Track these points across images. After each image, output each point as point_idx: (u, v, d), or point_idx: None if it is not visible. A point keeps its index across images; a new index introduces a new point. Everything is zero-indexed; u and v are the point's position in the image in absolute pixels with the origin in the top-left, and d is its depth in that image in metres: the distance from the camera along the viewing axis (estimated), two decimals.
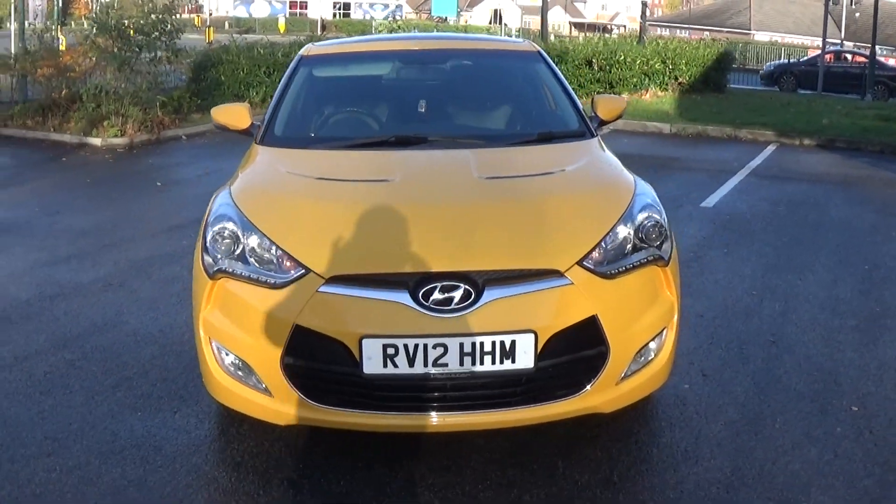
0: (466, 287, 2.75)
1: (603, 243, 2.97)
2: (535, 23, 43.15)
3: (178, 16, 11.85)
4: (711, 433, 3.34)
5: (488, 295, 2.76)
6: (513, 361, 2.75)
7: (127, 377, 3.79)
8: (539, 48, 4.58)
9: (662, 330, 3.10)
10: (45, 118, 11.20)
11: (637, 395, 3.12)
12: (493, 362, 2.74)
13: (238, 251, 2.97)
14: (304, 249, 2.89)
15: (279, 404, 2.88)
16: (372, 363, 2.72)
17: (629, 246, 3.03)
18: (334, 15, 60.67)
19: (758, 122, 13.58)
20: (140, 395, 3.63)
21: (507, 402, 2.85)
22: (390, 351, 2.71)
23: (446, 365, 2.73)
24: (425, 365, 2.72)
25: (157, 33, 11.44)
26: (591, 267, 2.90)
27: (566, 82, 4.30)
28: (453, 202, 3.18)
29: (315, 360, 2.81)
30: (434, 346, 2.71)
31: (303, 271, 2.83)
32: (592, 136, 3.95)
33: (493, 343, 2.73)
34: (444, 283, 2.75)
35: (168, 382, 3.74)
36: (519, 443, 3.19)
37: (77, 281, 5.16)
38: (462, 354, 2.72)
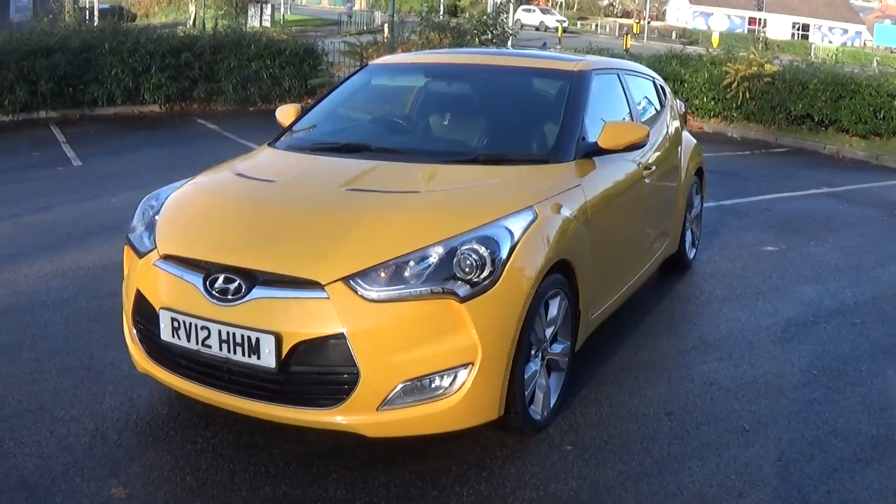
0: (241, 282, 2.97)
1: (392, 265, 2.91)
2: None
3: (504, 17, 12.72)
4: None
5: (255, 293, 2.94)
6: (258, 358, 2.90)
7: None
8: (588, 69, 4.30)
9: (456, 368, 2.91)
10: None
11: (413, 429, 2.99)
12: (243, 354, 2.92)
13: (147, 223, 3.55)
14: (164, 228, 3.35)
15: (135, 353, 3.40)
16: (165, 332, 3.11)
17: (427, 273, 2.91)
18: (792, 35, 57.13)
19: None
20: None
21: (255, 395, 2.98)
22: (175, 324, 3.07)
23: (210, 347, 2.99)
24: (196, 343, 3.02)
25: (489, 34, 12.43)
26: (356, 285, 2.87)
27: (589, 106, 4.03)
28: (291, 206, 3.35)
29: (146, 321, 3.27)
30: (201, 328, 3.00)
31: (152, 247, 3.31)
32: (563, 161, 3.71)
33: (244, 336, 2.91)
34: (226, 275, 3.00)
35: None
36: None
37: None
38: (220, 340, 2.96)
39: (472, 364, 2.93)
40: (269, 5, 43.99)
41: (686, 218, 5.53)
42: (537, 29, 46.11)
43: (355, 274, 2.90)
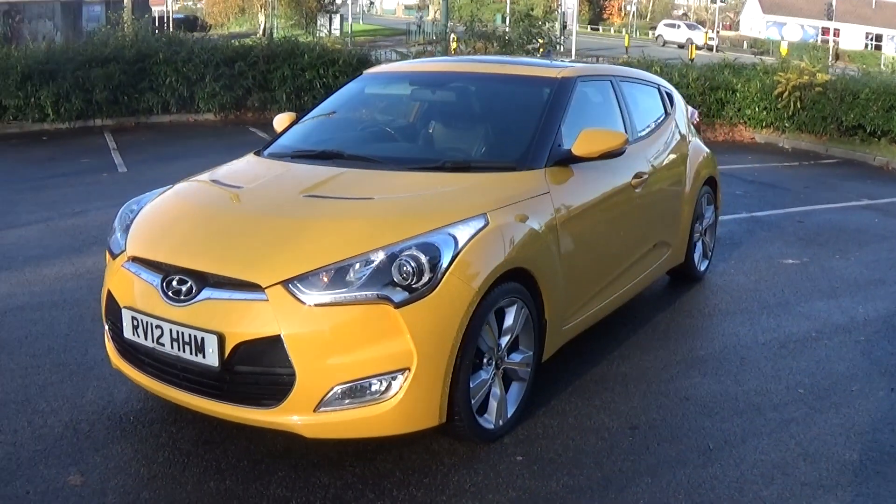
0: (192, 283, 3.06)
1: (332, 269, 2.96)
2: None
3: (550, 26, 12.79)
4: None
5: (204, 294, 3.04)
6: (204, 357, 2.99)
7: None
8: (572, 76, 4.27)
9: (392, 373, 2.94)
10: None
11: (350, 432, 3.04)
12: (191, 353, 3.02)
13: (125, 227, 3.68)
14: (135, 232, 3.48)
15: (109, 351, 3.54)
16: (128, 330, 3.24)
17: (365, 278, 2.95)
18: (865, 46, 54.96)
19: None
20: None
21: (204, 392, 3.08)
22: (135, 323, 3.19)
23: (163, 345, 3.10)
24: (152, 341, 3.14)
25: (533, 44, 12.47)
26: (295, 289, 2.93)
27: (565, 114, 4.01)
28: (249, 211, 3.45)
29: (115, 320, 3.39)
30: (156, 327, 3.11)
31: (123, 249, 3.44)
32: (531, 168, 3.70)
33: (191, 336, 3.01)
34: (180, 277, 3.10)
35: None
36: None
37: None
38: (171, 339, 3.07)
39: (408, 370, 2.95)
40: (339, 15, 44.85)
41: (694, 229, 5.41)
42: (681, 46, 41.84)
43: (294, 277, 2.96)
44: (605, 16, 63.07)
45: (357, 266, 2.99)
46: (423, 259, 2.99)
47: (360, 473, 3.14)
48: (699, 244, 5.63)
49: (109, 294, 3.40)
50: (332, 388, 2.93)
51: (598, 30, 56.23)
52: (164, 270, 3.18)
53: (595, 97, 4.57)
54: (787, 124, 13.20)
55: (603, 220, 4.16)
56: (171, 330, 3.07)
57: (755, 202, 8.45)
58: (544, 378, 3.95)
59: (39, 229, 6.65)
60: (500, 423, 3.42)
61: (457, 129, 4.26)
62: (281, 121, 4.67)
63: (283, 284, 2.95)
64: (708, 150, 5.77)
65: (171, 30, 27.59)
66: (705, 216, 5.70)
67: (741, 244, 6.72)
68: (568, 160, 3.85)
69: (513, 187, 3.61)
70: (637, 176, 4.45)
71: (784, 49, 39.19)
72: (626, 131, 4.60)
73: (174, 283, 3.11)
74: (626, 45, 36.34)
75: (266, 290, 2.95)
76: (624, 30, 52.88)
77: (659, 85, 5.43)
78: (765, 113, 13.37)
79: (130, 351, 3.33)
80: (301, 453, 3.25)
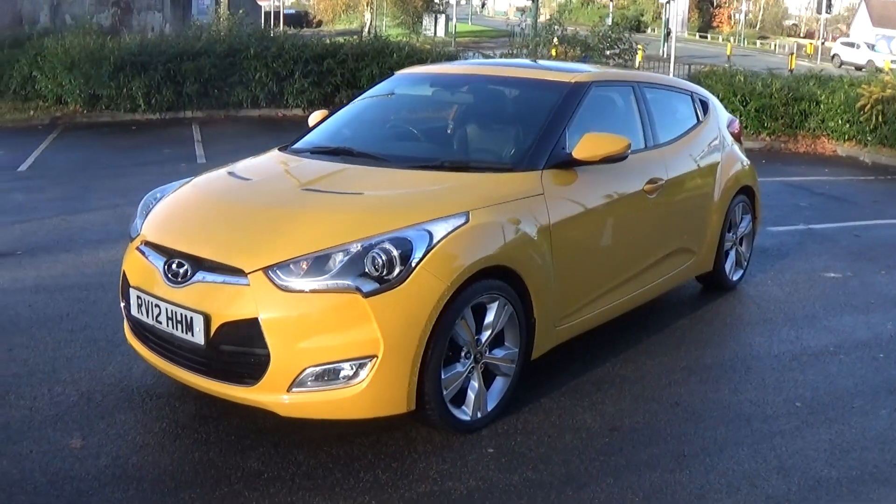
0: (188, 267, 3.31)
1: (311, 258, 3.15)
2: None
3: (630, 35, 12.76)
4: None
5: (198, 277, 3.28)
6: (192, 335, 3.23)
7: None
8: (586, 81, 4.31)
9: (360, 359, 3.10)
10: None
11: (320, 413, 3.22)
12: (182, 331, 3.27)
13: (146, 213, 3.97)
14: (151, 218, 3.76)
15: (126, 328, 3.83)
16: (134, 308, 3.53)
17: (340, 267, 3.12)
18: None
19: None
20: None
21: (194, 368, 3.32)
22: (139, 301, 3.48)
23: (161, 323, 3.36)
24: (152, 319, 3.40)
25: (614, 49, 12.42)
26: (274, 275, 3.13)
27: (572, 118, 4.07)
28: (250, 202, 3.67)
29: (127, 299, 3.68)
30: (155, 306, 3.37)
31: (139, 233, 3.72)
32: (528, 170, 3.79)
33: (183, 315, 3.25)
34: (179, 260, 3.35)
35: None
36: None
37: None
38: (167, 318, 3.33)
39: (376, 357, 3.10)
40: (444, 15, 45.25)
41: (724, 237, 5.34)
42: (860, 69, 34.66)
43: (275, 264, 3.16)
44: (715, 24, 61.70)
45: (335, 256, 3.17)
46: (395, 252, 3.14)
47: (335, 454, 3.32)
48: (731, 253, 5.55)
49: (124, 274, 3.69)
50: (304, 370, 3.11)
51: (706, 37, 54.88)
52: (168, 254, 3.44)
53: (612, 102, 4.60)
54: (868, 138, 12.68)
55: (608, 224, 4.19)
56: (167, 309, 3.32)
57: (816, 214, 8.20)
58: (539, 376, 4.04)
59: (105, 215, 7.14)
60: (479, 415, 3.52)
61: (466, 129, 4.38)
62: (314, 118, 4.90)
63: (264, 271, 3.16)
64: (745, 160, 5.67)
65: (282, 25, 28.39)
66: (739, 226, 5.61)
67: (788, 255, 6.55)
68: (569, 163, 3.91)
69: (505, 187, 3.70)
70: (651, 182, 4.45)
71: (887, 62, 36.96)
72: (644, 137, 4.62)
73: (174, 265, 3.36)
74: (728, 53, 35.13)
75: (249, 276, 3.16)
76: (732, 38, 51.41)
77: (692, 92, 5.38)
78: (848, 126, 12.88)
79: (139, 328, 3.61)
80: (286, 432, 3.45)
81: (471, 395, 3.49)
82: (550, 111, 4.11)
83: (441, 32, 43.24)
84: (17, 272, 5.48)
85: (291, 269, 3.16)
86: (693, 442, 3.53)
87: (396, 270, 3.13)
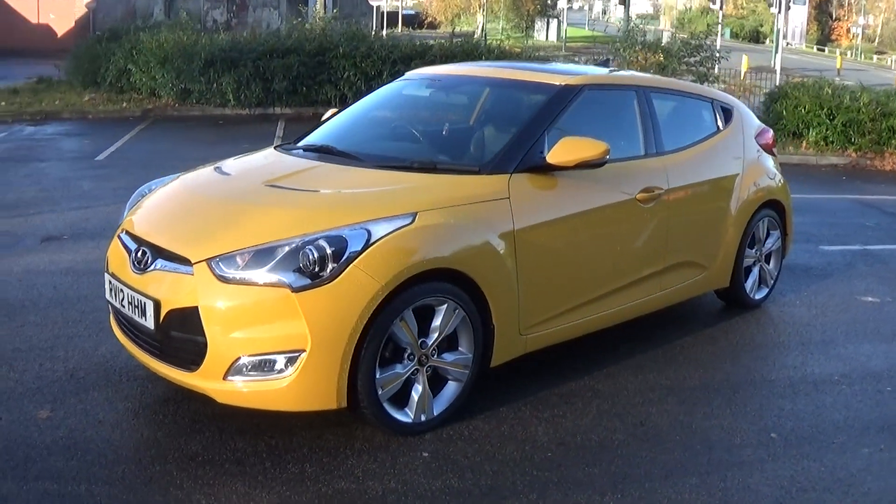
0: (150, 255, 3.48)
1: (251, 252, 3.25)
2: None
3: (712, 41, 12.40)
4: None
5: (156, 265, 3.45)
6: (145, 319, 3.39)
7: None
8: (578, 84, 4.22)
9: (289, 353, 3.18)
10: None
11: (252, 402, 3.31)
12: (137, 315, 3.44)
13: (135, 204, 4.19)
14: (135, 209, 3.96)
15: (111, 313, 4.05)
16: (107, 292, 3.74)
17: (275, 262, 3.20)
18: None
19: None
20: None
21: (150, 352, 3.49)
22: (111, 286, 3.69)
23: (125, 307, 3.54)
24: (119, 303, 3.60)
25: (697, 56, 12.08)
26: (215, 266, 3.25)
27: (553, 121, 4.01)
28: (216, 196, 3.83)
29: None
30: (119, 290, 3.57)
31: (121, 221, 3.93)
32: (495, 173, 3.75)
33: (139, 300, 3.43)
34: (143, 248, 3.52)
35: None
36: None
37: None
38: (128, 302, 3.51)
39: (304, 351, 3.17)
40: (556, 20, 44.89)
41: (742, 252, 5.08)
42: None
43: (217, 256, 3.29)
44: (834, 37, 58.99)
45: (276, 251, 3.25)
46: (329, 250, 3.20)
47: (273, 444, 3.41)
48: (754, 270, 5.28)
49: (106, 261, 3.90)
50: (238, 359, 3.22)
51: (823, 50, 52.41)
52: (138, 242, 3.62)
53: (609, 107, 4.48)
54: None
55: (589, 232, 4.09)
56: (128, 294, 3.51)
57: (879, 235, 7.69)
58: (510, 384, 3.99)
59: None
60: (422, 418, 3.52)
61: (448, 130, 4.39)
62: (327, 115, 5.02)
63: (207, 262, 3.29)
64: (775, 172, 5.38)
65: (400, 26, 28.67)
66: (765, 242, 5.32)
67: (830, 276, 6.18)
68: (542, 168, 3.84)
69: (465, 190, 3.68)
70: (647, 190, 4.31)
71: None
72: (644, 144, 4.47)
73: (139, 253, 3.54)
74: (839, 66, 33.09)
75: (194, 265, 3.30)
76: (849, 52, 49.01)
77: (713, 99, 5.15)
78: None
79: (115, 312, 3.82)
80: (237, 420, 3.56)
81: (414, 397, 3.50)
82: (530, 114, 4.06)
83: (553, 37, 42.92)
84: (56, 255, 5.88)
85: (232, 261, 3.27)
86: (640, 465, 3.40)
87: (329, 268, 3.18)
